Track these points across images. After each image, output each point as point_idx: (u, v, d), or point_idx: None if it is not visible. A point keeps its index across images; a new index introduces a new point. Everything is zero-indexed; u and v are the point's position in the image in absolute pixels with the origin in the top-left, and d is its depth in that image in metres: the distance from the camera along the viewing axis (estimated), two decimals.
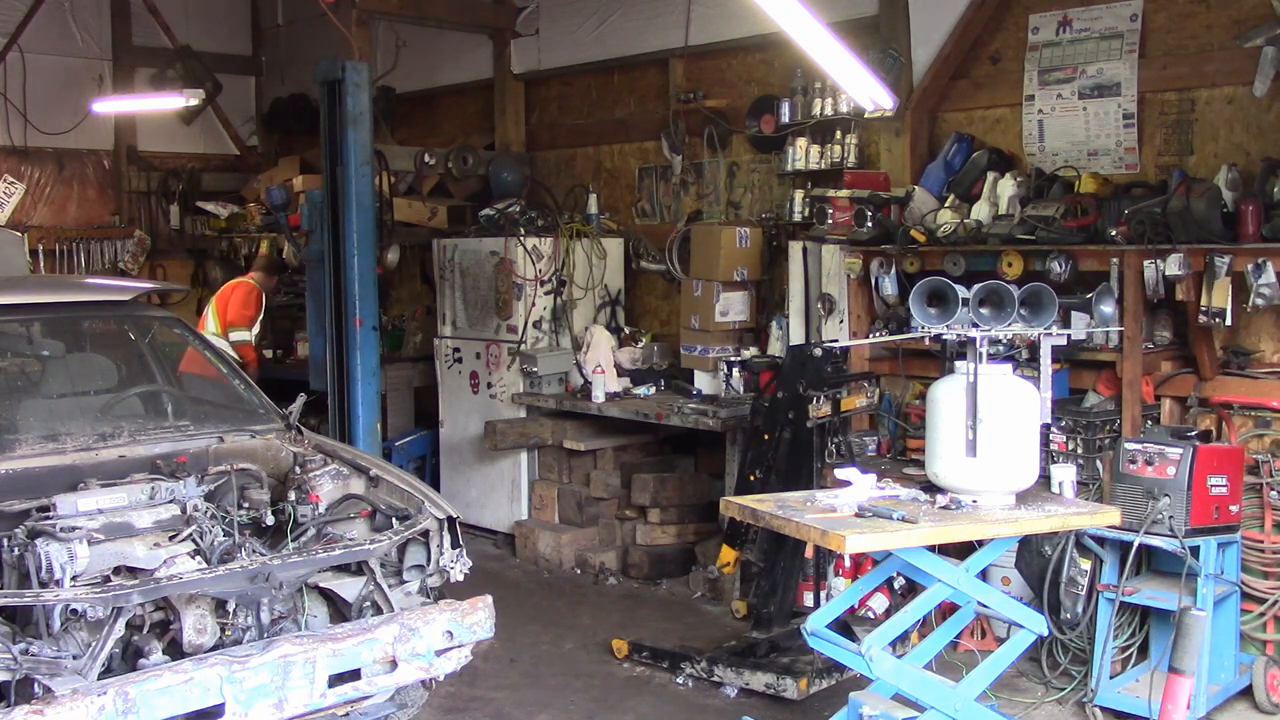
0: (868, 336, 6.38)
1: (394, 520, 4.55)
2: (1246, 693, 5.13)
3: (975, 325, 4.15)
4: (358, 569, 4.41)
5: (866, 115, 6.71)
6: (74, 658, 3.75)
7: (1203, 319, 5.28)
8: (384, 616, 4.27)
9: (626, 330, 8.19)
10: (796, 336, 6.84)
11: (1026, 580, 5.48)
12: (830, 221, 6.61)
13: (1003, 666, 4.21)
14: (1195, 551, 4.85)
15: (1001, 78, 6.54)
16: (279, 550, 4.35)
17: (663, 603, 6.90)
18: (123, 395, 5.19)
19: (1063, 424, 5.49)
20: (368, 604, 4.40)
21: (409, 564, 4.53)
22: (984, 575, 4.94)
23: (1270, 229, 5.11)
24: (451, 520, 4.54)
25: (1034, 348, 4.41)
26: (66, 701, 3.45)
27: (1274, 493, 5.19)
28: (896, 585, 5.51)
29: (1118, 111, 6.07)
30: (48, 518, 4.05)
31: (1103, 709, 5.04)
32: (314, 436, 5.17)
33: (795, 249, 6.90)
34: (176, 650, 3.94)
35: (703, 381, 7.37)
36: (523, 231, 7.85)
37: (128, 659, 3.91)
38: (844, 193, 6.64)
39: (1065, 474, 5.24)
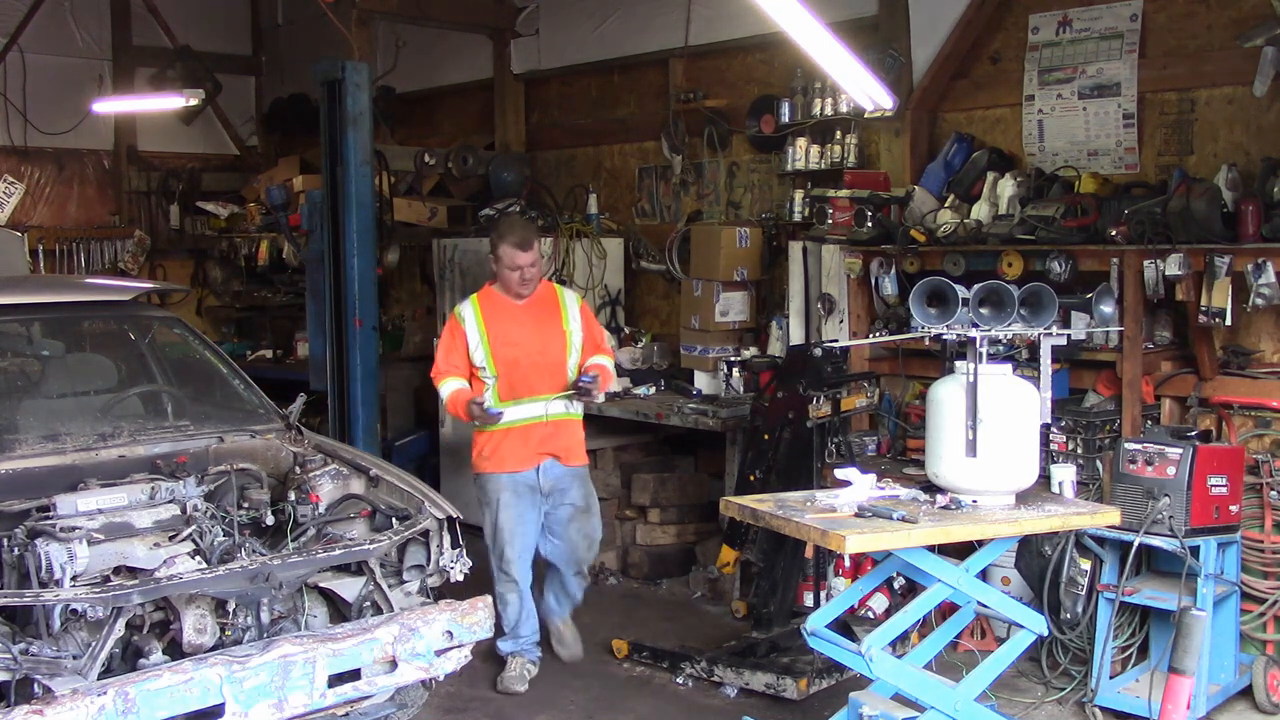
0: (868, 336, 6.38)
1: (394, 520, 4.55)
2: (1246, 693, 5.13)
3: (975, 325, 4.15)
4: (358, 569, 4.41)
5: (866, 115, 6.71)
6: (74, 658, 3.75)
7: (1203, 319, 5.28)
8: (384, 616, 4.27)
9: (626, 330, 8.19)
10: (796, 336, 6.84)
11: (1026, 580, 5.48)
12: (830, 221, 6.62)
13: (1003, 666, 4.21)
14: (1195, 551, 4.85)
15: (1001, 78, 6.54)
16: (279, 550, 4.35)
17: (663, 603, 6.90)
18: (123, 395, 5.19)
19: (1063, 424, 5.49)
20: (368, 604, 4.40)
21: (409, 564, 4.53)
22: (984, 575, 4.94)
23: (1270, 229, 5.11)
24: (452, 520, 4.55)
25: (1034, 348, 4.42)
26: (66, 701, 3.45)
27: (1274, 493, 5.19)
28: (896, 585, 5.51)
29: (1118, 111, 6.08)
30: (48, 518, 4.05)
31: (1103, 709, 5.05)
32: (314, 436, 5.17)
33: (795, 249, 6.90)
34: (176, 650, 3.94)
35: (703, 381, 7.37)
36: None
37: (128, 659, 3.91)
38: (844, 193, 6.64)
39: (1065, 474, 5.24)
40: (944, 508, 4.09)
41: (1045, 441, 5.23)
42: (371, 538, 4.45)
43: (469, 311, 5.47)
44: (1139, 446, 5.02)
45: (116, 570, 4.00)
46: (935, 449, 4.18)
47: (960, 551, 4.58)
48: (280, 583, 4.10)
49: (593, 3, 8.43)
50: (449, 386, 5.42)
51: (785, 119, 7.31)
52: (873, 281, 6.36)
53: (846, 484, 4.29)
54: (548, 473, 5.53)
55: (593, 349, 5.62)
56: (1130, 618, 5.27)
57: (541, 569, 5.77)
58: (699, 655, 5.56)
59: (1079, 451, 5.48)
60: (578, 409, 5.60)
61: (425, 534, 4.51)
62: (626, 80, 8.56)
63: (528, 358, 5.44)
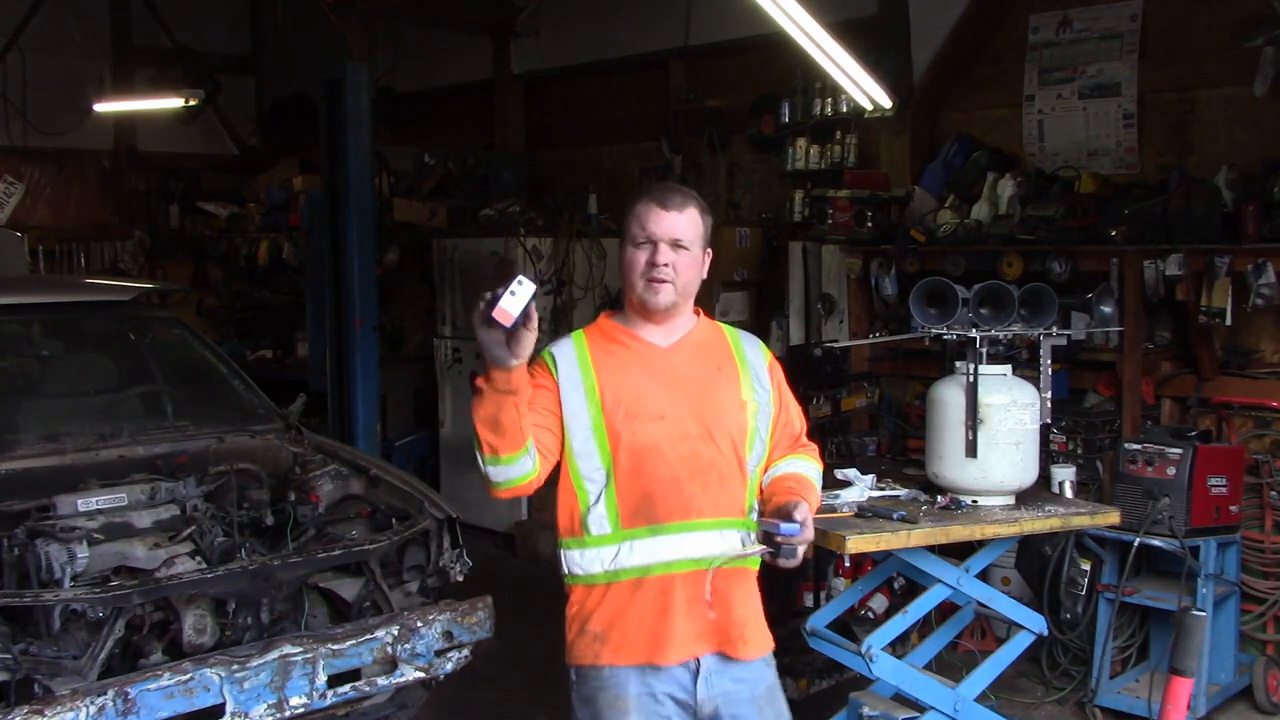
0: (868, 336, 6.38)
1: (394, 520, 4.55)
2: (1246, 693, 5.13)
3: (975, 325, 4.15)
4: (358, 569, 4.41)
5: (866, 115, 6.71)
6: (74, 658, 3.75)
7: (1203, 319, 5.28)
8: (384, 616, 4.27)
9: None
10: (796, 336, 6.84)
11: (1026, 580, 5.48)
12: (830, 221, 6.62)
13: (1003, 666, 4.21)
14: (1195, 552, 4.85)
15: (1001, 78, 6.54)
16: (279, 550, 4.35)
17: None
18: (123, 395, 5.19)
19: (1063, 424, 5.49)
20: (368, 604, 4.40)
21: (409, 564, 4.53)
22: (984, 575, 4.94)
23: (1270, 229, 5.11)
24: (451, 520, 4.54)
25: (1034, 348, 4.42)
26: (66, 701, 3.45)
27: (1274, 493, 5.19)
28: (896, 585, 5.51)
29: (1118, 111, 6.07)
30: (48, 518, 4.05)
31: (1103, 709, 5.05)
32: (314, 436, 5.16)
33: (795, 249, 6.90)
34: (176, 650, 3.94)
35: None
36: (523, 231, 7.85)
37: (128, 659, 3.90)
38: (844, 193, 6.65)
39: (1065, 474, 5.23)
40: (944, 508, 4.09)
41: (1045, 441, 5.22)
42: (371, 538, 4.45)
43: (568, 351, 2.93)
44: (1139, 447, 5.02)
45: (116, 570, 4.00)
46: (935, 449, 4.18)
47: (960, 551, 4.58)
48: (280, 583, 4.10)
49: (593, 3, 8.43)
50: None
51: (785, 119, 7.32)
52: (873, 281, 6.36)
53: (846, 484, 4.29)
54: (712, 682, 2.82)
55: (789, 444, 3.00)
56: (1130, 618, 5.27)
57: None
58: None
59: (1079, 451, 5.48)
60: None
61: (425, 534, 4.51)
62: (626, 80, 8.56)
63: (676, 445, 2.81)
